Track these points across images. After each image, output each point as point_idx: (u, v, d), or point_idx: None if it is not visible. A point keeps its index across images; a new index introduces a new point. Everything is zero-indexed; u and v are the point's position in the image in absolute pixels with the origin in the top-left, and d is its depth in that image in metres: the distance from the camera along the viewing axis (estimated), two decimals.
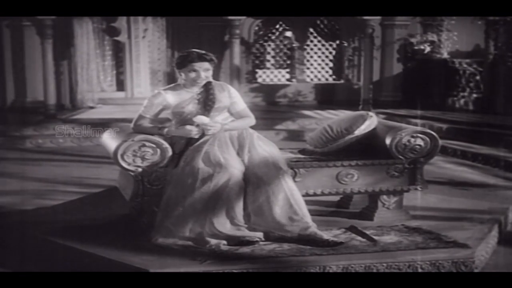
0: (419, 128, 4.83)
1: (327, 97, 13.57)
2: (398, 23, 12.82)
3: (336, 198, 5.15)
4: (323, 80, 14.08)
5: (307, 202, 4.36)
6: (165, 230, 4.18)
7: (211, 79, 4.47)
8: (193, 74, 4.38)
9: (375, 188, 4.72)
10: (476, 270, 4.06)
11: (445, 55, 12.90)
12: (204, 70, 4.39)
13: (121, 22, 12.93)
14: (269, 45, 14.05)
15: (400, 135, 4.66)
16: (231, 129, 4.41)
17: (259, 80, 13.90)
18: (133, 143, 4.29)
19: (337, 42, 13.91)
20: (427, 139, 4.71)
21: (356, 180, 4.67)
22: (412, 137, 4.68)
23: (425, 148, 4.72)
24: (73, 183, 6.97)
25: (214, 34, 12.59)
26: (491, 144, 8.84)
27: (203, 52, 4.44)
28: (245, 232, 4.17)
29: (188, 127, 4.34)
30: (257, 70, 13.92)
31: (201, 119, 4.31)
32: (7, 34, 12.30)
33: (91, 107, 12.53)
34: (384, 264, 3.93)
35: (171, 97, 4.42)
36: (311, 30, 13.85)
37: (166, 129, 4.38)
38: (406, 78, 13.09)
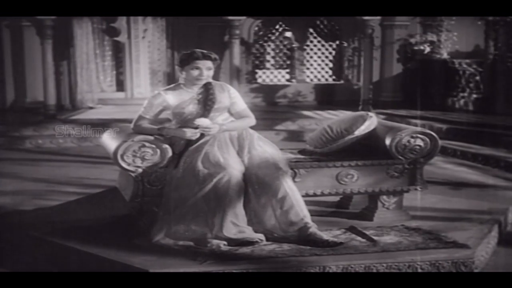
0: (419, 129, 4.83)
1: (327, 97, 13.57)
2: (397, 23, 12.82)
3: (336, 198, 5.14)
4: (323, 81, 14.08)
5: (307, 203, 4.36)
6: (167, 231, 4.18)
7: (211, 80, 4.48)
8: (195, 72, 4.38)
9: (375, 188, 4.72)
10: (476, 271, 4.06)
11: (445, 56, 12.89)
12: (207, 69, 4.40)
13: (121, 22, 12.93)
14: (269, 45, 14.04)
15: (400, 136, 4.66)
16: (230, 129, 4.41)
17: (259, 80, 13.89)
18: (133, 143, 4.29)
19: (337, 42, 13.91)
20: (427, 139, 4.71)
21: (356, 180, 4.67)
22: (412, 137, 4.68)
23: (425, 148, 4.71)
24: (73, 183, 6.96)
25: (214, 34, 12.57)
26: (491, 145, 8.83)
27: (207, 51, 4.46)
28: (246, 233, 4.17)
29: (185, 129, 4.34)
30: (257, 70, 13.92)
31: (201, 121, 4.32)
32: (7, 34, 12.30)
33: (91, 108, 12.53)
34: (384, 265, 3.94)
35: (171, 98, 4.42)
36: (311, 30, 13.85)
37: (165, 130, 4.38)
38: (406, 79, 13.09)
